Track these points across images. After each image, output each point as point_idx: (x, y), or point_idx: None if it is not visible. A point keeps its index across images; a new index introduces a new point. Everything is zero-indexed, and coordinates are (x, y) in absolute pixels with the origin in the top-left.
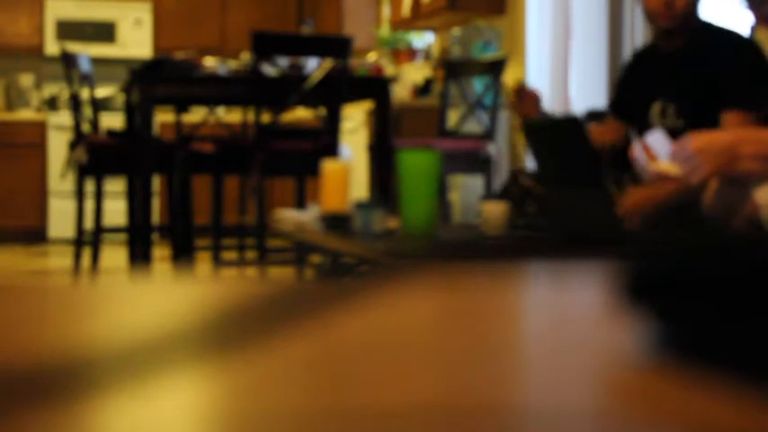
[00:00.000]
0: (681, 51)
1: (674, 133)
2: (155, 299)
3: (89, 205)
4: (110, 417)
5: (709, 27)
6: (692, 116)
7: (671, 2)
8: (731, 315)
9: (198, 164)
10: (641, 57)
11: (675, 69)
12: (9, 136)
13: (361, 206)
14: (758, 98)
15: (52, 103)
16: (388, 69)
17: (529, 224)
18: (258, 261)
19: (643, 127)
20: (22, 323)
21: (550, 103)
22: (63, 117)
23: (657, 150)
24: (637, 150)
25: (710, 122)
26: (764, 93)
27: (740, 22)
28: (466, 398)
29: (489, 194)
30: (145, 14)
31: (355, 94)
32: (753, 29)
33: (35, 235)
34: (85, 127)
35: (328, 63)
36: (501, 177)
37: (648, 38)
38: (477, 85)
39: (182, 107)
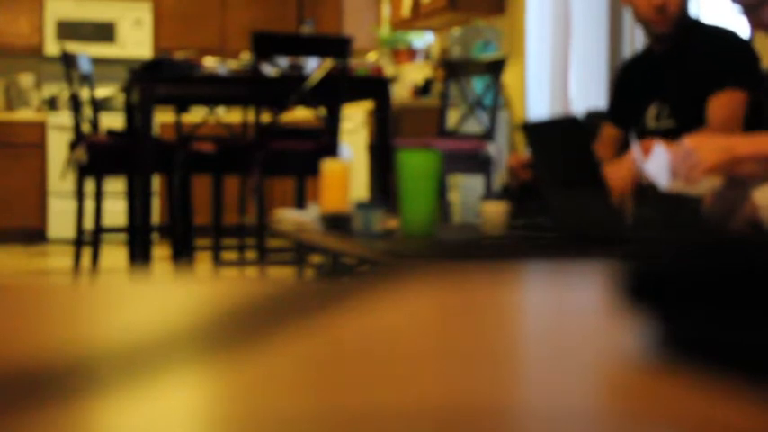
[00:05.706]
0: (673, 52)
1: (669, 134)
2: (155, 299)
3: (89, 205)
4: (110, 417)
5: (699, 25)
6: (687, 116)
7: (663, 8)
8: (732, 315)
9: (198, 164)
10: (634, 63)
11: (668, 70)
12: (9, 136)
13: (361, 206)
14: (746, 80)
15: (52, 104)
16: (388, 69)
17: (529, 224)
18: (258, 261)
19: (639, 131)
20: (22, 323)
21: (550, 104)
22: (63, 117)
23: (657, 175)
24: (636, 152)
25: (705, 122)
26: (752, 77)
27: (738, 27)
28: (466, 398)
29: (489, 194)
30: (145, 14)
31: (355, 94)
32: (750, 34)
33: (35, 235)
34: (85, 127)
35: (328, 63)
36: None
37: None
38: (477, 85)
39: (182, 107)
